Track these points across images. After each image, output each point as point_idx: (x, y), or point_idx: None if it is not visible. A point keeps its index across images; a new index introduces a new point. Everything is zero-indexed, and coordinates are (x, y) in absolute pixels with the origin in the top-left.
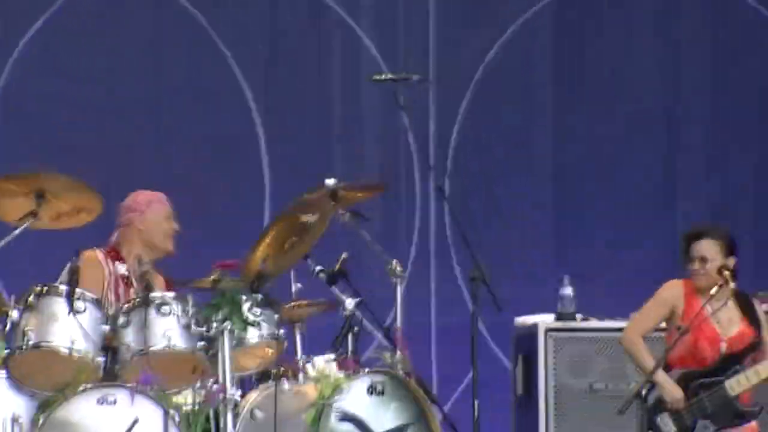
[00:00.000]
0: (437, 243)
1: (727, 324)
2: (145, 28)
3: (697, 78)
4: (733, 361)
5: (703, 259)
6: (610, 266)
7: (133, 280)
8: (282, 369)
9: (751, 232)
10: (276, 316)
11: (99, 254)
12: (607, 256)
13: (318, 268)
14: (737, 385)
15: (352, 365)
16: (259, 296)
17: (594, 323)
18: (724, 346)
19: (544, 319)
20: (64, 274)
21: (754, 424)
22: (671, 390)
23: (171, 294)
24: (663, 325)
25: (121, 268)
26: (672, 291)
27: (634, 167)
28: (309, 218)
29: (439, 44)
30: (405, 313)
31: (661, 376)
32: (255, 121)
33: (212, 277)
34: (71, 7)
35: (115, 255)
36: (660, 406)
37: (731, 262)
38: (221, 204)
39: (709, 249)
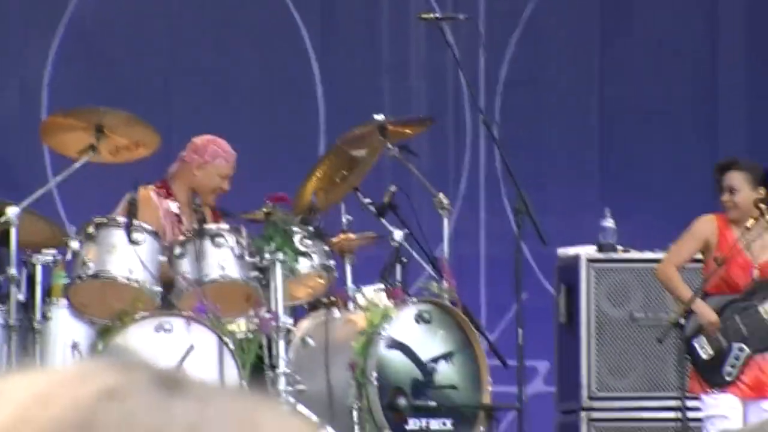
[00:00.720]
0: (487, 177)
1: (759, 251)
2: None
3: (735, 15)
4: (767, 286)
5: (732, 190)
6: (651, 200)
7: (183, 216)
8: (332, 298)
9: None
10: (326, 247)
11: (152, 193)
12: (649, 191)
13: (367, 200)
14: None
15: (399, 295)
16: (310, 228)
17: (634, 254)
18: (756, 273)
19: (586, 251)
20: (121, 207)
21: None
22: (706, 314)
23: (225, 226)
24: (699, 256)
25: (172, 206)
26: (705, 225)
27: (678, 103)
28: (359, 152)
29: None
30: (455, 245)
31: (697, 302)
32: (310, 57)
33: (264, 209)
34: None
35: (166, 191)
36: (697, 331)
37: (761, 192)
38: (277, 138)
39: (737, 179)
